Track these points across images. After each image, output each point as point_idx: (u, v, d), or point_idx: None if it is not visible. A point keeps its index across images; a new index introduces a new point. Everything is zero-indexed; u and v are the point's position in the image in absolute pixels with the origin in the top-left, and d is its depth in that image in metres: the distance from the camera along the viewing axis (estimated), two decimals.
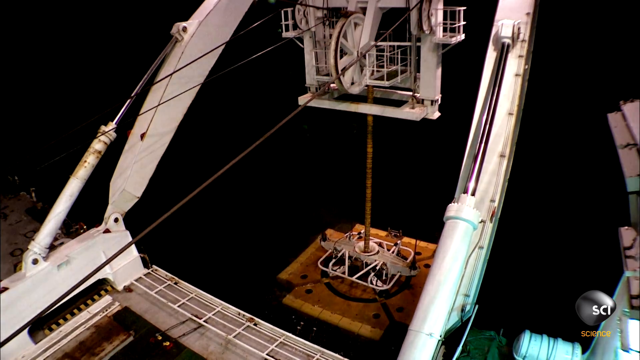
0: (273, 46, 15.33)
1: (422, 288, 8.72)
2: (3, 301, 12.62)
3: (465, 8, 13.83)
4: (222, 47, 15.80)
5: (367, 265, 19.71)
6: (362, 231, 21.36)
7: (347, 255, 19.99)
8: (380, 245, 21.06)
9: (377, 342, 16.77)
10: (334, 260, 20.47)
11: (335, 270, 20.07)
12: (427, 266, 20.28)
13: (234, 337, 13.59)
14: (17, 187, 21.97)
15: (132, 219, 16.81)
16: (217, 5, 15.88)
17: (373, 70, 15.15)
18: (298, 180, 28.18)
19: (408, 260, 19.86)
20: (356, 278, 19.33)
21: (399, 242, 21.53)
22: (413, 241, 21.15)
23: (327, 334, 17.33)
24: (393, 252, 20.65)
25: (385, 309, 18.25)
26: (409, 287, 19.45)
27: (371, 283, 19.01)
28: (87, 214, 17.10)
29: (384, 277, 19.34)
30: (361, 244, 20.62)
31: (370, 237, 20.81)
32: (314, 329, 17.48)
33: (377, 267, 19.44)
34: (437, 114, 15.73)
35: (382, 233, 23.06)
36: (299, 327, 17.46)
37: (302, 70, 17.22)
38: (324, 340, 16.88)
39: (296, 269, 21.24)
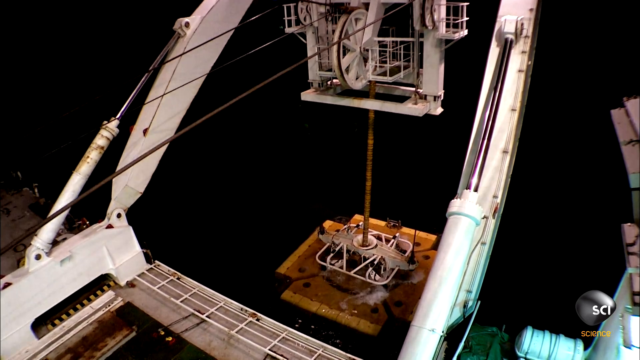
0: (273, 40, 15.29)
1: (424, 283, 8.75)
2: (6, 296, 12.69)
3: (468, 3, 13.78)
4: (225, 42, 15.79)
5: (365, 259, 19.73)
6: (360, 223, 21.31)
7: (345, 249, 19.99)
8: (378, 238, 21.02)
9: (375, 337, 16.81)
10: (332, 254, 20.51)
11: (333, 264, 20.09)
12: (427, 257, 20.42)
13: (237, 332, 13.61)
14: (20, 183, 22.05)
15: (135, 215, 16.85)
16: (220, 1, 15.87)
17: (376, 66, 15.12)
18: (297, 175, 28.19)
19: (406, 254, 19.84)
20: (354, 272, 19.35)
21: (397, 234, 21.51)
22: (412, 231, 21.01)
23: (325, 329, 17.38)
24: (391, 246, 20.64)
25: (383, 304, 18.28)
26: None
27: (369, 277, 19.03)
28: (89, 210, 17.14)
29: (382, 272, 19.35)
30: (359, 237, 20.58)
31: (369, 230, 20.78)
32: (312, 327, 17.52)
33: (375, 262, 19.45)
34: (439, 110, 15.70)
35: (381, 223, 22.98)
36: (297, 326, 17.50)
37: (304, 65, 17.16)
38: (323, 334, 16.95)
39: (294, 262, 21.27)
